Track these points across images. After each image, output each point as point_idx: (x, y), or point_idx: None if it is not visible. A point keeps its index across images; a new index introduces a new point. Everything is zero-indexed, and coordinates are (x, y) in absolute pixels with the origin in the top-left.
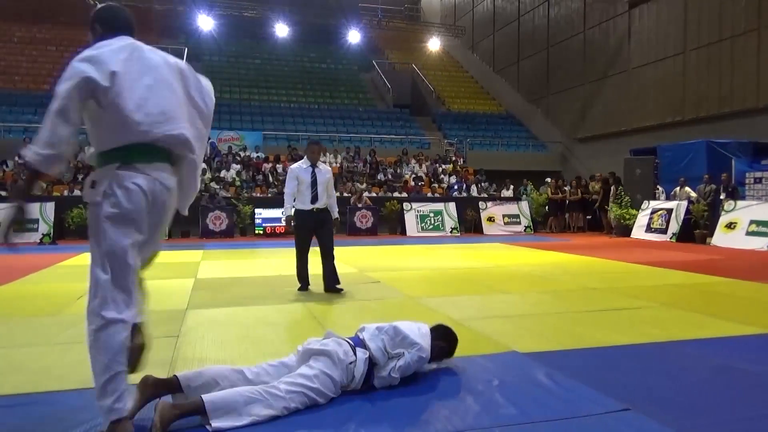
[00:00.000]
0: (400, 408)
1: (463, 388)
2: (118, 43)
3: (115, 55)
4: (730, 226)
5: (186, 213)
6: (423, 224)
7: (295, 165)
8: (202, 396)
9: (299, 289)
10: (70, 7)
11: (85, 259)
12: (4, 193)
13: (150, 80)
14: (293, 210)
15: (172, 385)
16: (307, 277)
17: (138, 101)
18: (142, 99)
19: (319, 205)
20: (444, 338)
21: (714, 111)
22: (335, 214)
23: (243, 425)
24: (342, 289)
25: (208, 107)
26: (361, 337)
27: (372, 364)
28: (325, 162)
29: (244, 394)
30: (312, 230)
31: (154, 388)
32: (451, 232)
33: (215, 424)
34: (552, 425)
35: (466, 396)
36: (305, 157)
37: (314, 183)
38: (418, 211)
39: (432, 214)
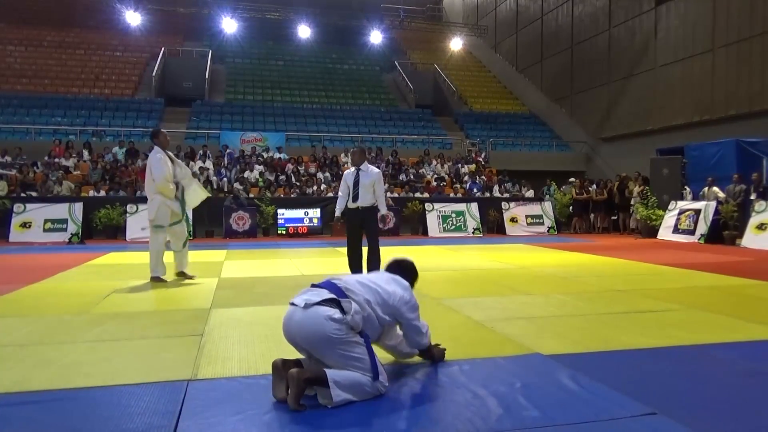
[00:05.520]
0: (421, 409)
1: (486, 389)
2: None
3: None
4: (761, 227)
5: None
6: (445, 225)
7: (348, 170)
8: (325, 370)
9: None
10: (98, 13)
11: (112, 258)
12: (34, 194)
13: None
14: (340, 211)
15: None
16: (360, 267)
17: None
18: None
19: (361, 203)
20: (403, 272)
21: (744, 109)
22: (382, 210)
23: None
24: None
25: None
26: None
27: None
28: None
29: (360, 379)
30: (359, 226)
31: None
32: (473, 232)
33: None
34: (576, 428)
35: (488, 398)
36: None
37: (356, 184)
38: (440, 212)
39: (454, 215)
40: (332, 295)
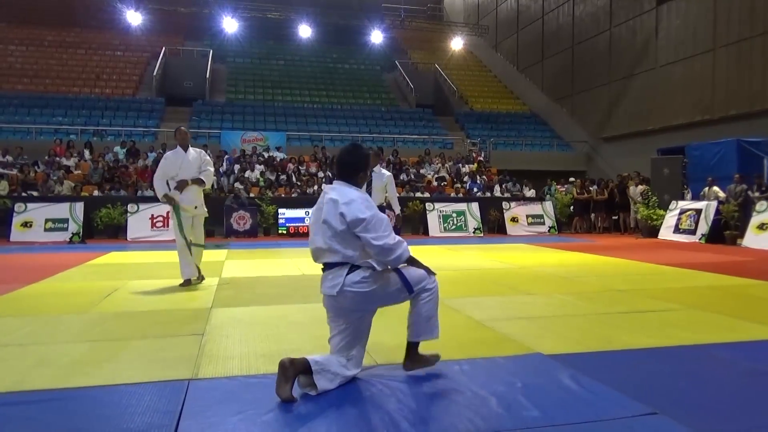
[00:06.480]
0: (421, 409)
1: (486, 389)
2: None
3: None
4: (762, 227)
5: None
6: (446, 224)
7: None
8: (306, 357)
9: None
10: (99, 12)
11: (113, 257)
12: (35, 194)
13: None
14: None
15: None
16: None
17: None
18: None
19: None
20: (350, 166)
21: (745, 109)
22: (396, 210)
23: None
24: None
25: None
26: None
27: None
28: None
29: (338, 362)
30: None
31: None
32: (474, 232)
33: (319, 384)
34: (576, 428)
35: (489, 398)
36: None
37: (368, 184)
38: (440, 212)
39: (455, 215)
40: (347, 265)
